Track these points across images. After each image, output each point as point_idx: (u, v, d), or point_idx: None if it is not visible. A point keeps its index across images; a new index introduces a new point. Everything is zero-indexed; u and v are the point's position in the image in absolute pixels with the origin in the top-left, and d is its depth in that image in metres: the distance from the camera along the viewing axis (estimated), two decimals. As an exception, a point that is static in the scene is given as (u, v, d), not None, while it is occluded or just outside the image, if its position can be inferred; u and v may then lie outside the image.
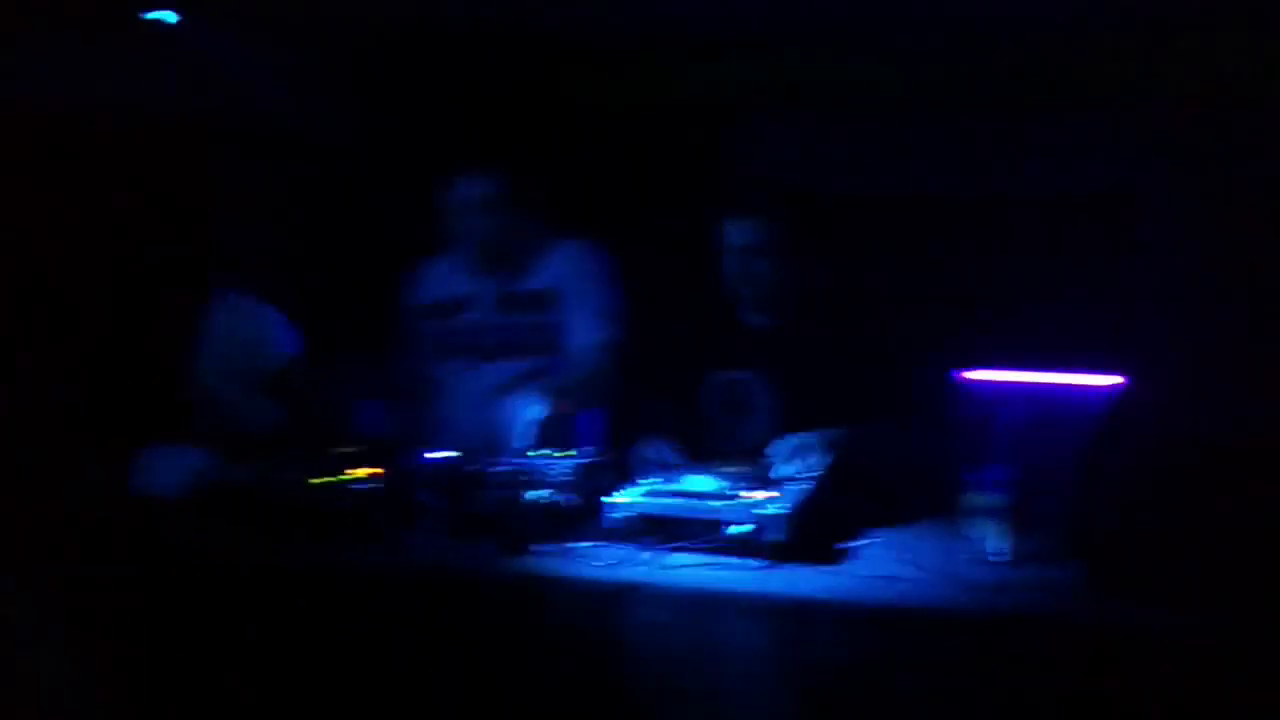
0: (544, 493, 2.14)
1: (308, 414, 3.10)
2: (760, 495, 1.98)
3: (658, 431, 2.44)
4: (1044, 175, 3.96)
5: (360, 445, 2.37)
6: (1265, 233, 3.63)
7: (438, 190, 2.86)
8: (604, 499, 2.03)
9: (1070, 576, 1.80)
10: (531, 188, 2.92)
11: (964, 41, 3.73)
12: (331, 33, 3.63)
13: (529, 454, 2.33)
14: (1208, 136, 3.71)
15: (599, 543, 1.98)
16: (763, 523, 1.89)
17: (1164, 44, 3.60)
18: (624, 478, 2.21)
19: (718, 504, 1.96)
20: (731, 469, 2.17)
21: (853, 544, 2.02)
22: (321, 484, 2.15)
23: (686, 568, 1.86)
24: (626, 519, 1.99)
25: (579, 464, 2.21)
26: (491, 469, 2.18)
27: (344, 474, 2.19)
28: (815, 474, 2.17)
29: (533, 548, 1.97)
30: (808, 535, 1.94)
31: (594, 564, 1.89)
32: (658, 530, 1.97)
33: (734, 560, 1.88)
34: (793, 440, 2.25)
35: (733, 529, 1.90)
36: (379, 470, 2.22)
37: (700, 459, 2.36)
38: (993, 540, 1.94)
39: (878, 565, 1.90)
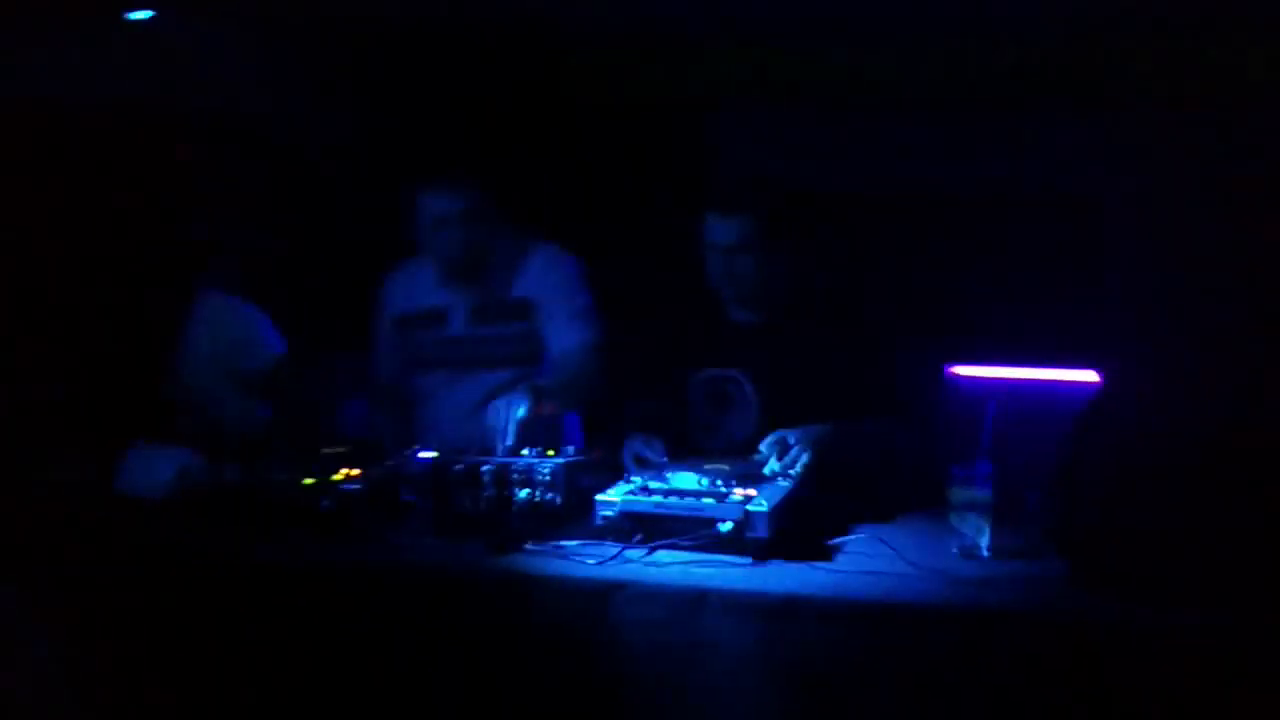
0: (531, 492, 2.14)
1: (294, 414, 3.09)
2: (746, 492, 1.98)
3: (644, 429, 2.44)
4: (1029, 173, 3.98)
5: (346, 445, 2.37)
6: (1248, 231, 3.66)
7: (409, 203, 2.82)
8: (591, 497, 2.03)
9: (1055, 571, 1.82)
10: (505, 198, 2.89)
11: (947, 40, 3.75)
12: (315, 32, 3.62)
13: (515, 453, 2.33)
14: (1194, 138, 3.74)
15: (587, 541, 1.98)
16: (748, 519, 1.90)
17: (1148, 45, 3.63)
18: (611, 476, 2.21)
19: (705, 501, 1.96)
20: (718, 466, 2.17)
21: (839, 539, 2.02)
22: (309, 484, 2.14)
23: (674, 565, 1.87)
24: (614, 517, 1.99)
25: (565, 462, 2.21)
26: (478, 468, 2.18)
27: (331, 474, 2.18)
28: (800, 470, 2.18)
29: (520, 546, 1.97)
30: (792, 531, 1.95)
31: (582, 562, 1.89)
32: (645, 528, 1.97)
33: (721, 557, 1.88)
34: (778, 436, 2.26)
35: (720, 526, 1.90)
36: (365, 470, 2.21)
37: (687, 456, 2.37)
38: (978, 534, 1.95)
39: (864, 561, 1.90)
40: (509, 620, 1.83)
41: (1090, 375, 1.88)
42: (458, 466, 2.18)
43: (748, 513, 1.90)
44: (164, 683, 1.96)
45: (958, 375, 1.99)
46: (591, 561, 1.89)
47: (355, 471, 2.20)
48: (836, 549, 1.97)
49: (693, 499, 1.98)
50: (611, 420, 2.58)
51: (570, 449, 2.29)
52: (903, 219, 4.04)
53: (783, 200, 2.61)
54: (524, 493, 2.14)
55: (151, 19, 3.32)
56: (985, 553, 1.91)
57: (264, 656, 1.93)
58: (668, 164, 4.07)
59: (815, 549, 1.95)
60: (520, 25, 3.73)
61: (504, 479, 2.16)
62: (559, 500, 2.14)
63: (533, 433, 2.40)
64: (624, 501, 1.99)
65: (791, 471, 2.17)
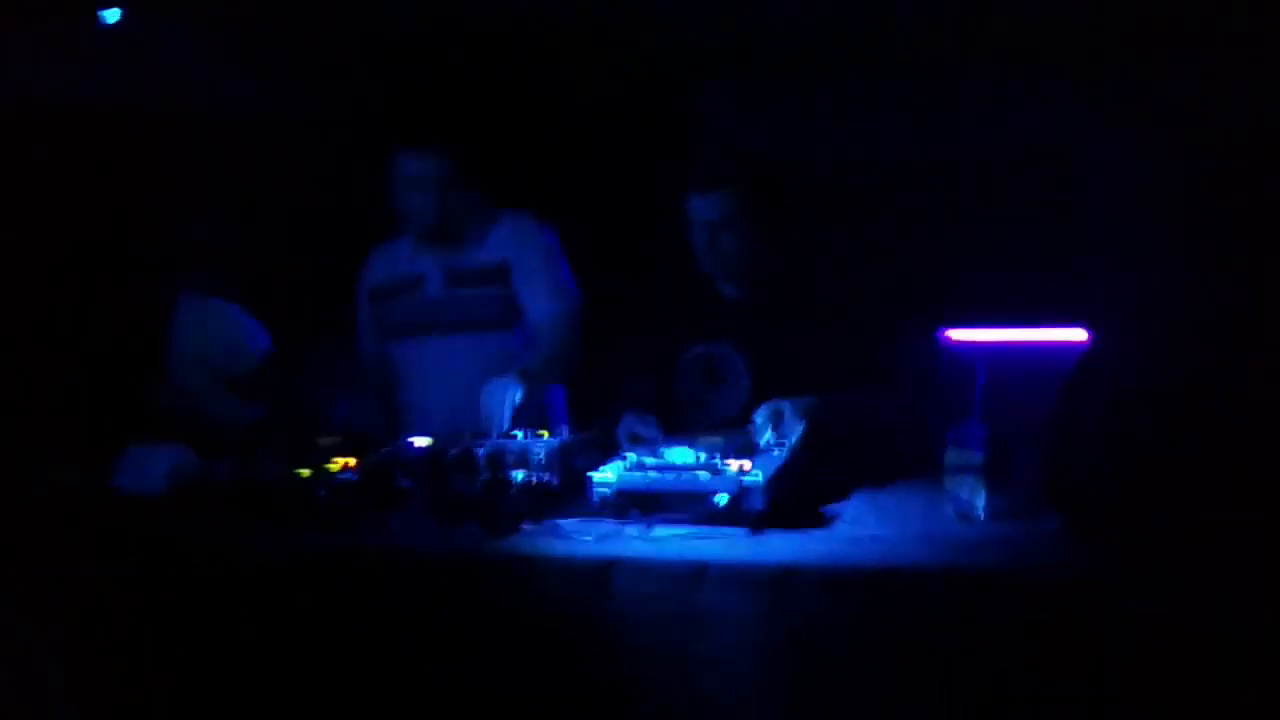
0: (527, 473, 2.15)
1: (285, 409, 3.09)
2: (741, 464, 1.99)
3: (636, 406, 2.44)
4: (1014, 133, 3.98)
5: (339, 436, 2.38)
6: (1236, 190, 3.66)
7: (384, 168, 2.86)
8: (586, 476, 2.03)
9: (1051, 529, 1.83)
10: (477, 162, 2.92)
11: (927, 5, 3.73)
12: (281, 14, 3.59)
13: (508, 435, 2.34)
14: (1180, 91, 3.73)
15: (584, 519, 1.99)
16: (743, 491, 1.90)
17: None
18: (605, 454, 2.22)
19: (700, 475, 1.97)
20: (711, 440, 2.18)
21: (835, 507, 2.03)
22: (305, 475, 2.15)
23: (671, 539, 1.88)
24: (610, 495, 1.99)
25: (560, 442, 2.22)
26: (472, 451, 2.18)
27: (326, 464, 2.18)
28: (794, 439, 2.19)
29: (518, 527, 1.98)
30: (788, 501, 1.96)
31: (580, 540, 1.90)
32: (641, 504, 1.97)
33: (718, 530, 1.89)
34: (772, 407, 2.26)
35: (716, 499, 1.91)
36: (359, 459, 2.21)
37: (679, 431, 2.37)
38: (973, 497, 1.96)
39: (860, 527, 1.91)
40: (510, 601, 1.84)
41: (1079, 334, 1.88)
42: (453, 451, 2.19)
43: (743, 485, 1.91)
44: (166, 677, 1.96)
45: (946, 339, 2.00)
46: (589, 539, 1.89)
47: (351, 461, 2.20)
48: (833, 518, 1.98)
49: (688, 473, 1.98)
50: (607, 398, 2.59)
51: (563, 428, 2.29)
52: (888, 186, 4.03)
53: (765, 173, 2.61)
54: (520, 474, 2.15)
55: (120, 19, 3.30)
56: (981, 515, 1.92)
57: (268, 647, 1.93)
58: (653, 139, 4.05)
59: (812, 518, 1.96)
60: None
61: (499, 461, 2.17)
62: (555, 481, 2.15)
63: (527, 413, 2.43)
64: (620, 479, 2.00)
65: (786, 442, 2.18)
